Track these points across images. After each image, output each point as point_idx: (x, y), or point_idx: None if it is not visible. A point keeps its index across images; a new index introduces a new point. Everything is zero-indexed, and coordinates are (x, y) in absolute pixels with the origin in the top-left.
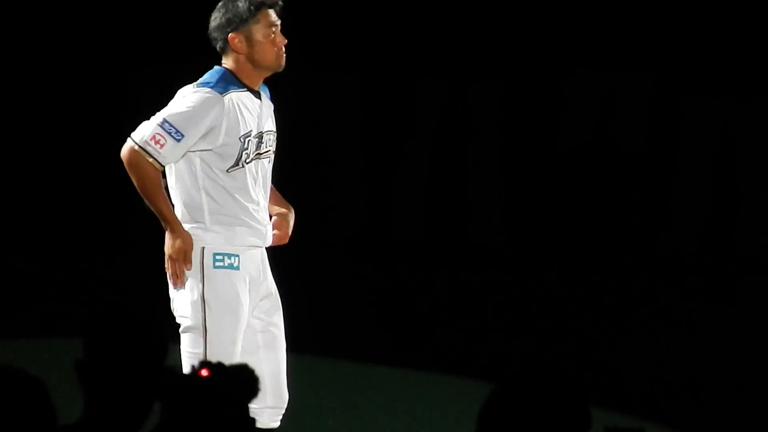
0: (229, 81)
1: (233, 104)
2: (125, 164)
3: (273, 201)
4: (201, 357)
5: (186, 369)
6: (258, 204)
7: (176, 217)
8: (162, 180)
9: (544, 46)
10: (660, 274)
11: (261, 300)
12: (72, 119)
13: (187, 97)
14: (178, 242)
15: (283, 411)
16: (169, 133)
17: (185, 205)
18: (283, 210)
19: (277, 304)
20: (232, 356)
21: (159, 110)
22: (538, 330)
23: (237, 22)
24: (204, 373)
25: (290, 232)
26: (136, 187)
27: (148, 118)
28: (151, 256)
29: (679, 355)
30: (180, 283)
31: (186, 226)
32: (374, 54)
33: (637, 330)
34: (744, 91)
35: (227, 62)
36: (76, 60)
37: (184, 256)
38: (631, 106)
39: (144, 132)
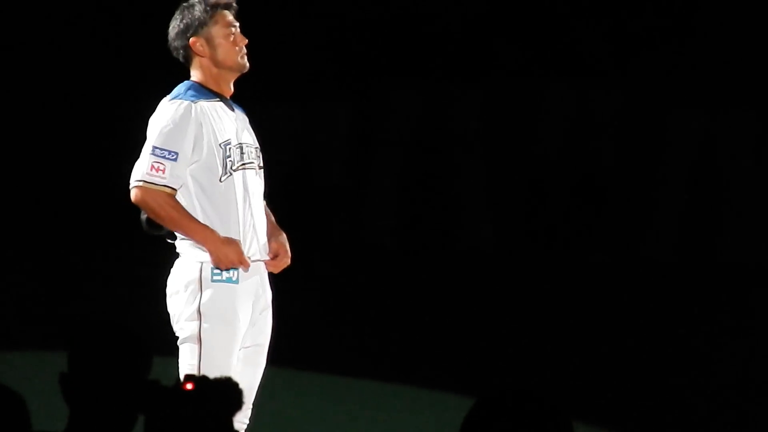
0: (199, 92)
1: (206, 112)
2: (141, 206)
3: (268, 228)
4: (195, 368)
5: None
6: (254, 216)
7: (206, 226)
8: (173, 201)
9: (523, 53)
10: (643, 282)
11: (260, 314)
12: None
13: (162, 117)
14: (212, 251)
15: (245, 425)
16: (163, 157)
17: None
18: (279, 236)
19: (269, 320)
20: (227, 368)
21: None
22: (523, 339)
23: (195, 26)
24: (189, 386)
25: (289, 255)
26: (164, 222)
27: (138, 161)
28: (141, 270)
29: (662, 366)
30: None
31: (185, 242)
32: (352, 59)
33: (620, 340)
34: (723, 102)
35: (194, 73)
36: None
37: (227, 259)
38: (606, 116)
39: (141, 169)
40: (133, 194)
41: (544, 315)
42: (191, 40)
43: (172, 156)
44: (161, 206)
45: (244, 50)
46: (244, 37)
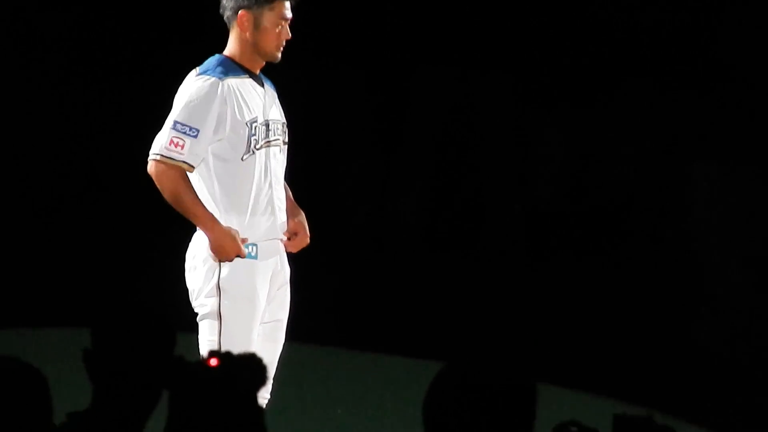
0: (229, 67)
1: (234, 89)
2: (154, 180)
3: (287, 206)
4: (216, 344)
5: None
6: (274, 194)
7: (211, 215)
8: (185, 182)
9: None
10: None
11: (278, 289)
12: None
13: (188, 92)
14: (213, 241)
15: (266, 400)
16: (184, 133)
17: (202, 200)
18: (297, 215)
19: (287, 296)
20: (247, 344)
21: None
22: (559, 323)
23: (252, 2)
24: (213, 362)
25: (308, 235)
26: (169, 199)
27: (160, 133)
28: (162, 246)
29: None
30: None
31: None
32: (372, 46)
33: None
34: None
35: (230, 43)
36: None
37: (224, 252)
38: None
39: (160, 142)
40: (150, 167)
41: (576, 299)
42: (240, 12)
43: (193, 132)
44: (173, 183)
45: (284, 44)
46: (289, 34)
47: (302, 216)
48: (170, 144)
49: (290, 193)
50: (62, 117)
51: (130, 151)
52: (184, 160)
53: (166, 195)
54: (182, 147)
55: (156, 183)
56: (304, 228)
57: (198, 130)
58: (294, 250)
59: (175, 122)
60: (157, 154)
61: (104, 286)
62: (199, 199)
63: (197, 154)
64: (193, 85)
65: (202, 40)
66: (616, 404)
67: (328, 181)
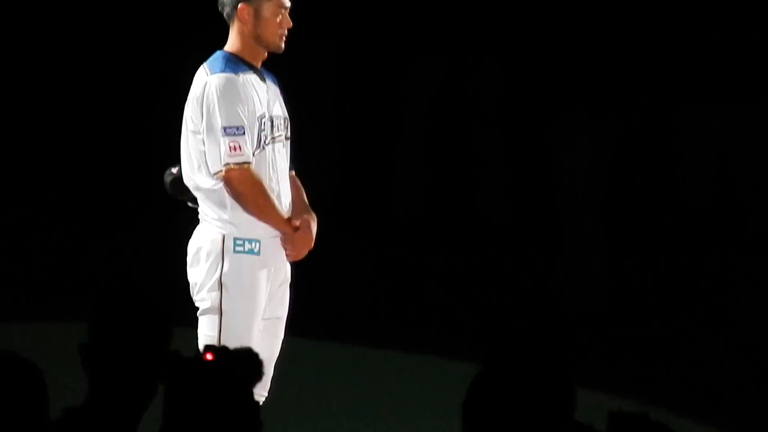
0: (235, 64)
1: (246, 84)
2: (236, 194)
3: (298, 205)
4: (215, 340)
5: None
6: (281, 190)
7: (284, 218)
8: (260, 181)
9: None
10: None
11: (279, 287)
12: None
13: (214, 93)
14: (296, 238)
15: (264, 397)
16: (235, 135)
17: (207, 194)
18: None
19: (287, 293)
20: (247, 340)
21: (204, 129)
22: (548, 310)
23: None
24: (209, 356)
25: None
26: (253, 205)
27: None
28: (158, 240)
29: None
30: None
31: (210, 216)
32: (366, 28)
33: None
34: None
35: (231, 38)
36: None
37: (301, 246)
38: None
39: (220, 154)
40: (227, 185)
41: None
42: (240, 5)
43: (240, 131)
44: (251, 185)
45: (286, 33)
46: (290, 22)
47: (313, 216)
48: (230, 150)
49: (303, 194)
50: (59, 107)
51: (129, 143)
52: (245, 160)
53: (250, 202)
54: (240, 149)
55: (235, 194)
56: (309, 228)
57: (243, 128)
58: (292, 258)
59: (223, 128)
60: (226, 164)
61: (101, 280)
62: (274, 200)
63: (251, 148)
64: (215, 87)
65: (200, 37)
66: (612, 400)
67: (319, 170)
